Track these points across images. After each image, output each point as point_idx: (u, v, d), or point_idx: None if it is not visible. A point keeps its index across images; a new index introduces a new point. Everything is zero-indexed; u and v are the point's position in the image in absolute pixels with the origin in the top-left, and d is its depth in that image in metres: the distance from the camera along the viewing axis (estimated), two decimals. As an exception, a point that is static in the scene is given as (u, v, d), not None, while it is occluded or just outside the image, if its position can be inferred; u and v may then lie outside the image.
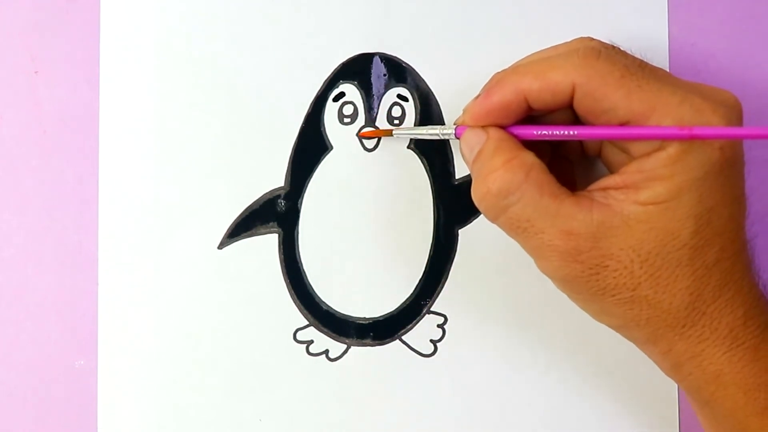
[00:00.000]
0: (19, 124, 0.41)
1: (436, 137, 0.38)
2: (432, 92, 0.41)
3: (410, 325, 0.41)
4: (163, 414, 0.40)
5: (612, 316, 0.34)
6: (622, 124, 0.32)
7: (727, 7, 0.41)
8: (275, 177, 0.41)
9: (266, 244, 0.41)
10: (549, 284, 0.40)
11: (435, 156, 0.41)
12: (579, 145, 0.38)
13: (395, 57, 0.41)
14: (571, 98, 0.33)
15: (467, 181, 0.41)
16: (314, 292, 0.41)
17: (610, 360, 0.41)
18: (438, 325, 0.41)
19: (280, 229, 0.41)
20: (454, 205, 0.41)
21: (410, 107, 0.41)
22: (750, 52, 0.41)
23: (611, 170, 0.36)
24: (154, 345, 0.40)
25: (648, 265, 0.32)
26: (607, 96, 0.32)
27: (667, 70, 0.41)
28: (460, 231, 0.41)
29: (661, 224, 0.32)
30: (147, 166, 0.40)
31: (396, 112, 0.41)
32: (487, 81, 0.37)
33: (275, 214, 0.41)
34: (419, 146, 0.41)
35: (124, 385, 0.40)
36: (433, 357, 0.41)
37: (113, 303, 0.40)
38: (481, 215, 0.40)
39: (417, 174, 0.41)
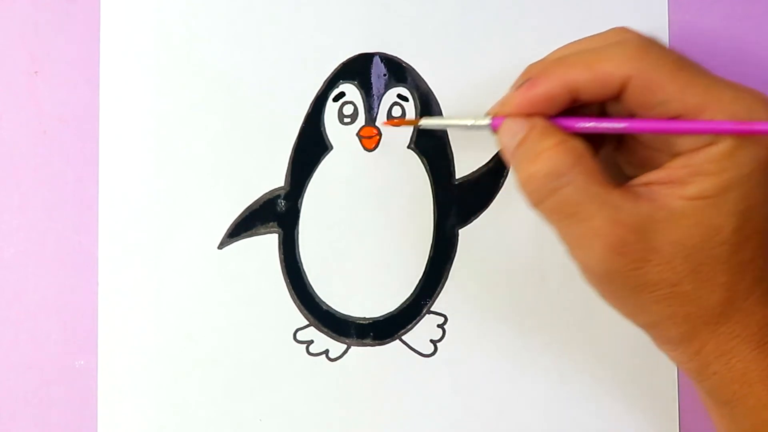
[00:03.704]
0: (19, 124, 0.41)
1: (468, 128, 0.36)
2: (432, 92, 0.41)
3: (410, 325, 0.41)
4: (163, 414, 0.40)
5: (648, 313, 0.33)
6: (673, 118, 0.32)
7: (726, 7, 0.41)
8: (275, 177, 0.41)
9: (266, 244, 0.41)
10: (549, 284, 0.41)
11: (435, 156, 0.41)
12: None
13: (395, 57, 0.41)
14: (620, 91, 0.32)
15: (467, 181, 0.41)
16: (314, 292, 0.41)
17: (610, 360, 0.41)
18: (438, 325, 0.41)
19: (280, 229, 0.41)
20: (453, 205, 0.41)
21: (410, 107, 0.41)
22: (750, 52, 0.41)
23: (639, 162, 0.36)
24: (154, 345, 0.40)
25: (690, 261, 0.32)
26: (662, 89, 0.31)
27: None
28: (460, 231, 0.41)
29: (705, 220, 0.31)
30: (147, 166, 0.40)
31: (396, 112, 0.41)
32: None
33: (275, 214, 0.41)
34: (419, 146, 0.41)
35: (124, 385, 0.40)
36: (433, 357, 0.41)
37: (113, 303, 0.40)
38: (482, 215, 0.41)
39: (417, 174, 0.41)
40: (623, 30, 0.34)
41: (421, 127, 0.38)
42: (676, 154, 0.33)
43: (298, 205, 0.41)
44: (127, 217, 0.40)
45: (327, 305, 0.41)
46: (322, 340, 0.41)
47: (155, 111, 0.41)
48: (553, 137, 0.32)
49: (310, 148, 0.41)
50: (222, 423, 0.40)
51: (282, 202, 0.41)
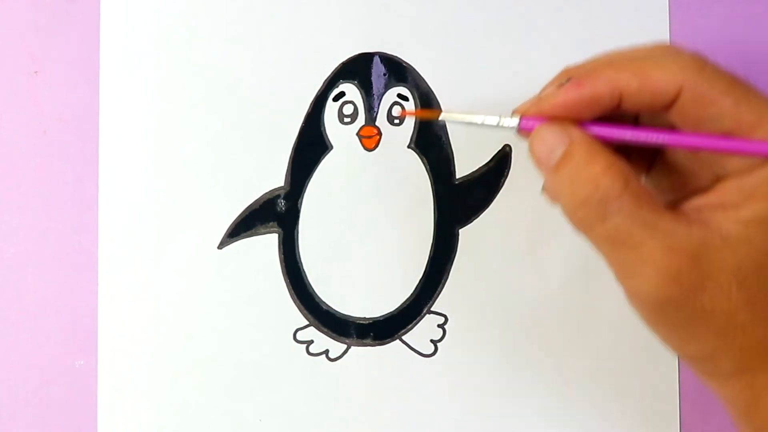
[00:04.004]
0: (19, 124, 0.41)
1: (493, 127, 0.33)
2: (432, 91, 0.41)
3: (410, 325, 0.41)
4: (163, 414, 0.40)
5: (700, 344, 0.31)
6: (725, 135, 0.30)
7: (727, 7, 0.41)
8: (275, 177, 0.41)
9: (266, 244, 0.41)
10: (549, 284, 0.40)
11: (435, 156, 0.41)
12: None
13: (395, 56, 0.41)
14: (671, 102, 0.30)
15: (467, 181, 0.41)
16: (314, 292, 0.41)
17: (610, 360, 0.41)
18: (438, 325, 0.41)
19: (280, 229, 0.41)
20: (454, 205, 0.41)
21: (410, 107, 0.41)
22: (751, 52, 0.41)
23: (672, 185, 0.34)
24: (154, 345, 0.40)
25: (745, 288, 0.30)
26: (716, 102, 0.30)
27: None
28: (460, 231, 0.41)
29: (760, 244, 0.30)
30: (147, 166, 0.40)
31: (396, 111, 0.41)
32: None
33: (275, 214, 0.41)
34: (419, 146, 0.41)
35: (124, 385, 0.40)
36: (433, 357, 0.41)
37: (113, 303, 0.40)
38: (482, 215, 0.41)
39: (417, 174, 0.41)
40: (670, 45, 0.33)
41: (441, 121, 0.36)
42: (722, 176, 0.31)
43: (298, 205, 0.41)
44: (127, 217, 0.40)
45: (327, 305, 0.41)
46: (322, 340, 0.41)
47: (155, 111, 0.41)
48: (601, 160, 0.30)
49: (310, 147, 0.41)
50: (222, 423, 0.40)
51: (282, 202, 0.41)
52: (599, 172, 0.30)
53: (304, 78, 0.41)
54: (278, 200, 0.41)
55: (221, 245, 0.41)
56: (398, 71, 0.41)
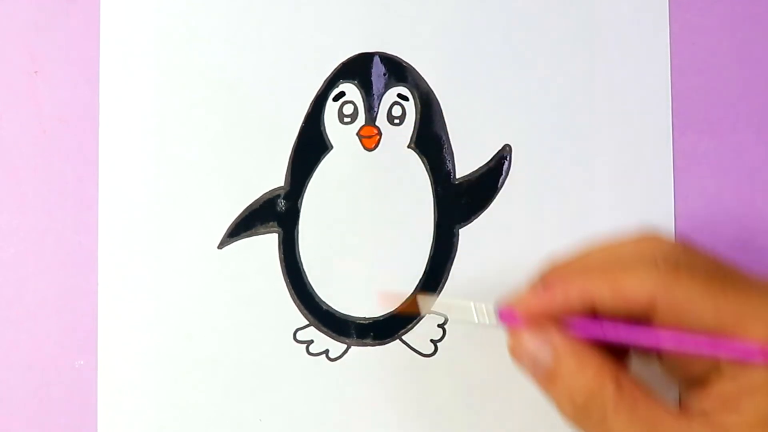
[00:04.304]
0: (19, 124, 0.41)
1: (472, 321, 0.33)
2: (432, 91, 0.41)
3: (410, 325, 0.41)
4: (163, 414, 0.40)
5: None
6: (709, 334, 0.30)
7: (727, 6, 0.41)
8: (275, 177, 0.41)
9: (266, 244, 0.41)
10: (549, 284, 0.40)
11: (435, 155, 0.41)
12: None
13: (395, 56, 0.41)
14: (646, 309, 0.30)
15: (467, 181, 0.41)
16: (314, 292, 0.41)
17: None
18: (438, 325, 0.41)
19: (280, 229, 0.41)
20: (454, 205, 0.41)
21: (410, 106, 0.41)
22: (751, 51, 0.41)
23: (676, 367, 0.33)
24: (154, 345, 0.40)
25: None
26: (694, 308, 0.30)
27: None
28: (460, 230, 0.41)
29: None
30: (147, 166, 0.40)
31: (396, 111, 0.41)
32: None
33: (275, 214, 0.41)
34: (419, 146, 0.41)
35: (124, 385, 0.40)
36: (433, 357, 0.41)
37: (113, 303, 0.40)
38: (482, 214, 0.41)
39: (417, 174, 0.41)
40: (647, 238, 0.32)
41: (423, 313, 0.38)
42: (717, 366, 0.30)
43: (298, 205, 0.41)
44: (127, 217, 0.40)
45: (327, 305, 0.41)
46: (322, 340, 0.41)
47: (155, 111, 0.41)
48: (590, 365, 0.31)
49: (310, 147, 0.41)
50: (222, 423, 0.40)
51: (282, 202, 0.41)
52: (590, 380, 0.30)
53: (304, 78, 0.41)
54: (278, 200, 0.41)
55: (221, 245, 0.41)
56: (398, 71, 0.41)
